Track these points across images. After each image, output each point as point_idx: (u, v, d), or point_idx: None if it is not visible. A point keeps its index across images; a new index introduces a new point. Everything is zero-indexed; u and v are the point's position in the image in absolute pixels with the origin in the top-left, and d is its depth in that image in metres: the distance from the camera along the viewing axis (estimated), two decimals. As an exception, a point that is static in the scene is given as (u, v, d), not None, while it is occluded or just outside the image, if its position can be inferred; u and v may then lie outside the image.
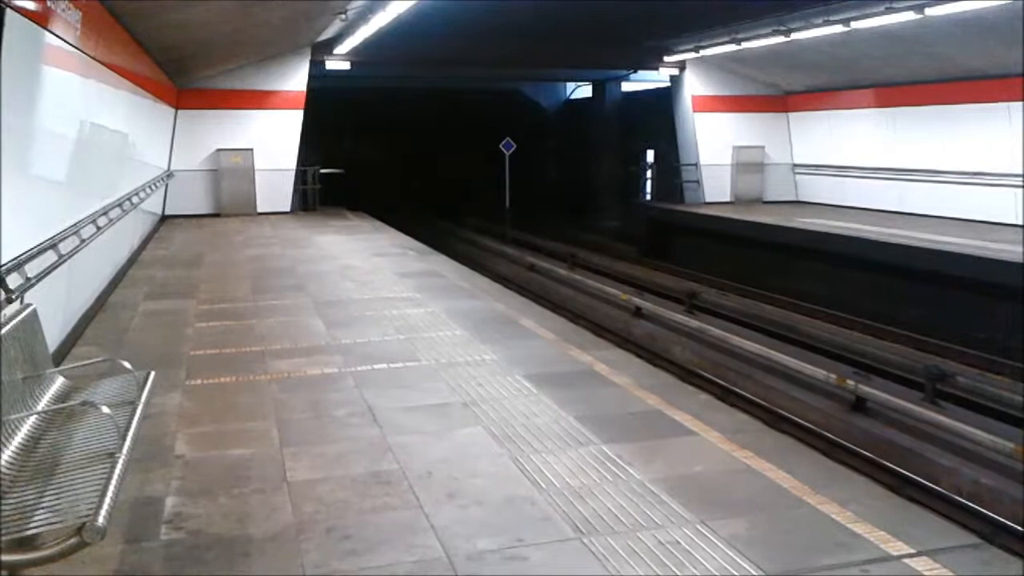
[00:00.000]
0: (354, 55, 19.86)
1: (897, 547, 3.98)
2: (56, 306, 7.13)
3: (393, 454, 5.12)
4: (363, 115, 40.58)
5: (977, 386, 9.23)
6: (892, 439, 8.08)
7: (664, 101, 23.29)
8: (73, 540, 3.00)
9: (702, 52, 20.24)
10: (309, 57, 19.68)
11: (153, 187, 15.03)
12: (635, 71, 24.25)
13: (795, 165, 22.07)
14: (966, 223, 16.05)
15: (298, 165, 20.32)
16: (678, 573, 3.76)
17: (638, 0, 16.10)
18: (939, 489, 7.26)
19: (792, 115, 22.01)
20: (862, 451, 8.02)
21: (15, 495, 3.42)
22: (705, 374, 10.65)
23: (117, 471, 3.46)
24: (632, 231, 23.91)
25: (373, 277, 11.56)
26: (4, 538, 3.05)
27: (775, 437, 5.83)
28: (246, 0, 11.92)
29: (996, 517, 6.69)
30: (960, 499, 7.05)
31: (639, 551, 3.94)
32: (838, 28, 15.10)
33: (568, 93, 31.58)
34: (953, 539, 4.22)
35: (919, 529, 4.22)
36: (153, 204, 16.23)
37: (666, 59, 21.64)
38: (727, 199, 21.90)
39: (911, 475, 7.49)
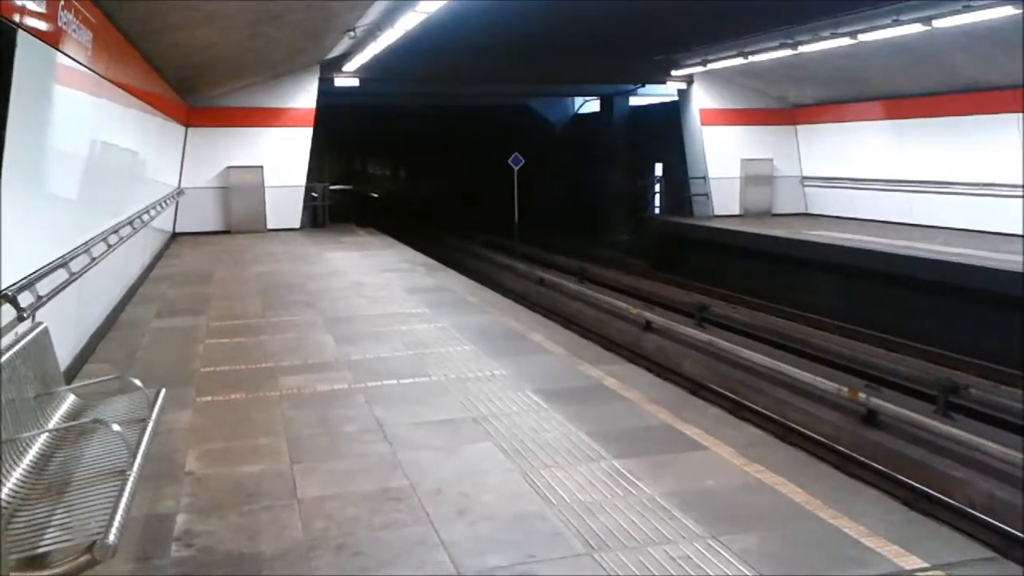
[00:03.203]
0: (363, 72, 19.98)
1: (911, 561, 3.95)
2: (67, 324, 7.16)
3: (403, 470, 5.12)
4: (372, 132, 40.91)
5: (990, 398, 9.18)
6: (904, 452, 8.04)
7: (672, 115, 23.34)
8: (84, 558, 3.00)
9: (710, 66, 20.30)
10: (318, 75, 19.81)
11: (164, 205, 15.10)
12: (643, 85, 24.33)
13: (804, 177, 22.06)
14: (977, 234, 15.99)
15: (307, 182, 20.41)
16: (690, 589, 3.75)
17: (645, 15, 16.14)
18: (953, 502, 7.22)
19: (800, 128, 22.01)
20: (874, 464, 7.98)
21: (26, 513, 3.43)
22: (716, 388, 10.62)
23: (128, 489, 3.46)
24: (641, 245, 23.92)
25: (383, 293, 11.58)
26: (15, 556, 3.05)
27: (786, 451, 5.80)
28: (256, 18, 12.00)
29: (1011, 530, 6.64)
30: (974, 512, 7.01)
31: (650, 567, 3.92)
32: (845, 41, 15.13)
33: (576, 108, 31.68)
34: (967, 553, 4.19)
35: (933, 543, 4.18)
36: (164, 222, 16.30)
37: (674, 73, 21.70)
38: (736, 212, 21.91)
39: (924, 488, 7.45)
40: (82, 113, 8.26)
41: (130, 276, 11.66)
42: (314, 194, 21.35)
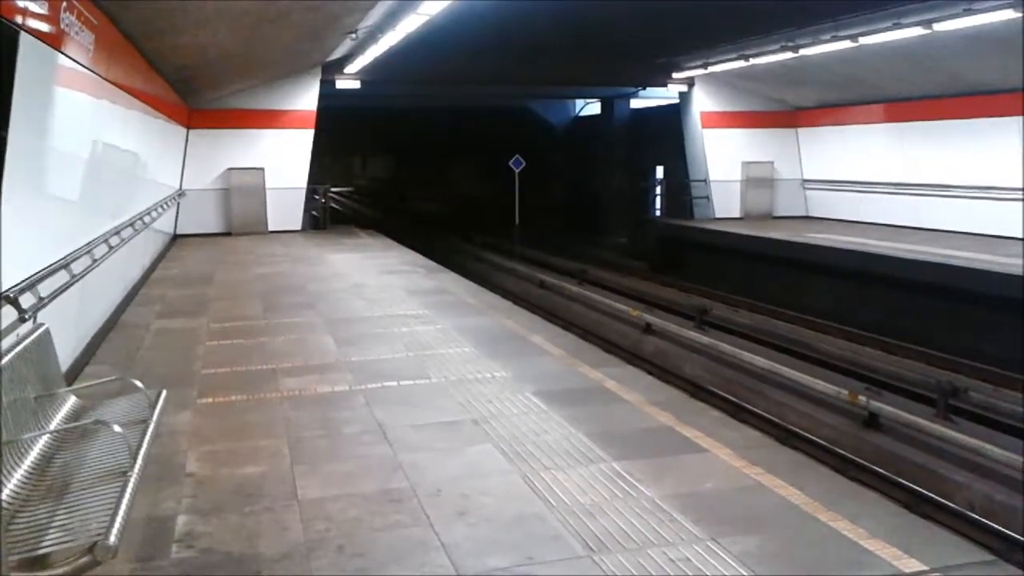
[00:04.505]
0: (364, 74, 20.00)
1: (910, 564, 3.96)
2: (68, 325, 7.17)
3: (404, 472, 5.12)
4: (373, 134, 40.93)
5: (990, 401, 9.17)
6: (904, 455, 8.04)
7: (673, 117, 23.33)
8: (85, 559, 3.02)
9: (711, 68, 20.32)
10: (319, 76, 19.81)
11: (165, 206, 15.12)
12: (644, 88, 24.30)
13: (805, 180, 22.06)
14: (978, 237, 15.99)
15: (309, 184, 20.42)
16: (689, 591, 3.75)
17: (646, 17, 16.16)
18: (952, 505, 7.21)
19: (801, 130, 22.02)
20: (874, 467, 7.97)
21: (27, 514, 3.44)
22: (716, 390, 10.62)
23: (129, 490, 3.47)
24: (642, 247, 23.91)
25: (383, 295, 11.58)
26: (16, 557, 3.06)
27: (786, 454, 5.81)
28: (258, 20, 12.02)
29: (1010, 533, 6.64)
30: (974, 515, 7.00)
31: (650, 569, 3.93)
32: (846, 44, 15.14)
33: (577, 110, 31.68)
34: (967, 556, 4.19)
35: (932, 546, 4.19)
36: (165, 223, 16.31)
37: (675, 76, 21.71)
38: (737, 215, 21.91)
39: (924, 491, 7.45)
40: (84, 115, 8.27)
41: (131, 277, 11.66)
42: (316, 196, 21.38)
